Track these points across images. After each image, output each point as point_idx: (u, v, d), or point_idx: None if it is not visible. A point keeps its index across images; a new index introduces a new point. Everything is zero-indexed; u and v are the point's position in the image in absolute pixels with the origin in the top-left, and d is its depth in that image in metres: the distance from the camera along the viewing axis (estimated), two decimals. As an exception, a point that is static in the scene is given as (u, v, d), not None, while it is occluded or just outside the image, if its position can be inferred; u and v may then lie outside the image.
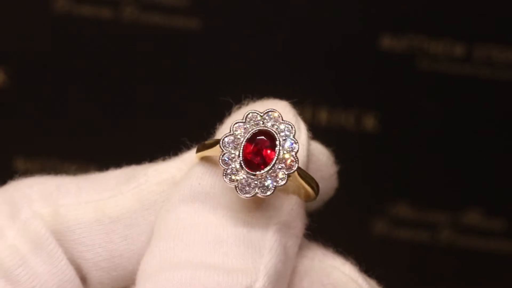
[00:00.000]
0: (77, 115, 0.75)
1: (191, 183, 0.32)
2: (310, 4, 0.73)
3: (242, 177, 0.31)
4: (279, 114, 0.32)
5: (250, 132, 0.31)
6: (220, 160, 0.31)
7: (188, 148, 0.35)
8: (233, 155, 0.31)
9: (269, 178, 0.31)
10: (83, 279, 0.34)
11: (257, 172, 0.31)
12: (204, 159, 0.33)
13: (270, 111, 0.32)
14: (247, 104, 0.35)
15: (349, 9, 0.73)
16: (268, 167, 0.31)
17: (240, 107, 0.35)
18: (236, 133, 0.32)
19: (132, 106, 0.75)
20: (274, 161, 0.31)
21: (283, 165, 0.31)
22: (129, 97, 0.75)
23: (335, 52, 0.74)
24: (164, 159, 0.35)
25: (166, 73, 0.74)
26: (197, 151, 0.33)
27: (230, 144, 0.32)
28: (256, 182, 0.31)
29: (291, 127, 0.31)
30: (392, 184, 0.76)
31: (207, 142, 0.33)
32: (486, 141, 0.74)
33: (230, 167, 0.31)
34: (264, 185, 0.31)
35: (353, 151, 0.74)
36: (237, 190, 0.31)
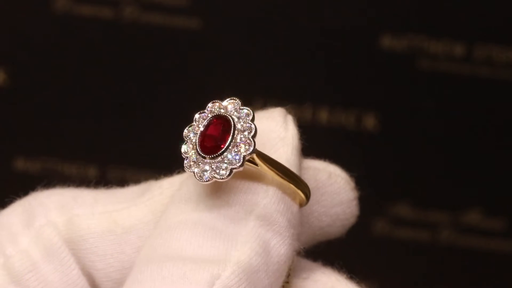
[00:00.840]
0: (77, 115, 0.75)
1: (180, 189, 0.33)
2: (310, 4, 0.73)
3: (199, 163, 0.31)
4: (238, 101, 0.32)
5: (207, 119, 0.32)
6: (182, 152, 0.32)
7: None
8: (192, 144, 0.32)
9: (225, 161, 0.31)
10: None
11: (211, 156, 0.31)
12: None
13: (231, 99, 0.32)
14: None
15: (349, 9, 0.73)
16: (221, 150, 0.31)
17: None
18: (197, 123, 0.32)
19: (132, 106, 0.75)
20: (227, 145, 0.31)
21: (238, 148, 0.31)
22: (129, 97, 0.75)
23: (335, 52, 0.74)
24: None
25: (166, 73, 0.74)
26: None
27: (190, 134, 0.32)
28: (212, 166, 0.31)
29: (250, 112, 0.31)
30: (392, 184, 0.76)
31: None
32: (486, 141, 0.74)
33: (190, 155, 0.31)
34: (220, 169, 0.31)
35: (353, 151, 0.74)
36: (196, 176, 0.31)
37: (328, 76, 0.74)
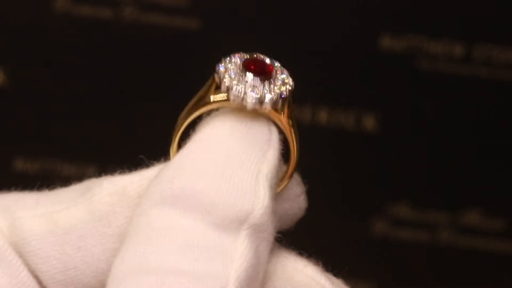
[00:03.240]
0: (77, 115, 0.75)
1: (161, 187, 0.32)
2: (310, 4, 0.73)
3: (248, 83, 0.31)
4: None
5: (243, 59, 0.33)
6: (219, 74, 0.32)
7: (147, 165, 0.35)
8: (234, 72, 0.32)
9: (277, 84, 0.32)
10: None
11: (263, 76, 0.32)
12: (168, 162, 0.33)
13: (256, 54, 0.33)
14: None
15: (348, 9, 0.73)
16: (272, 76, 0.32)
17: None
18: (227, 67, 0.33)
19: (131, 106, 0.75)
20: (274, 73, 0.32)
21: (281, 81, 0.32)
22: (128, 97, 0.75)
23: (335, 52, 0.74)
24: (121, 173, 0.35)
25: (166, 73, 0.74)
26: (186, 116, 0.35)
27: (227, 70, 0.32)
28: (263, 85, 0.31)
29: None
30: (392, 184, 0.76)
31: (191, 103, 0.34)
32: (486, 141, 0.74)
33: (234, 80, 0.32)
34: (270, 90, 0.31)
35: (353, 151, 0.74)
36: (246, 95, 0.31)
37: (327, 77, 0.74)
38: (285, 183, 0.34)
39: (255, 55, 0.32)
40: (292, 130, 0.33)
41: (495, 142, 0.74)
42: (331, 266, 0.35)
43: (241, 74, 0.31)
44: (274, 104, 0.33)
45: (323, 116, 0.74)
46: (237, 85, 0.31)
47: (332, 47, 0.73)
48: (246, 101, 0.31)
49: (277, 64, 0.32)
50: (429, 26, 0.73)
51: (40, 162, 0.75)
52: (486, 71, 0.73)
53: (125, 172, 0.35)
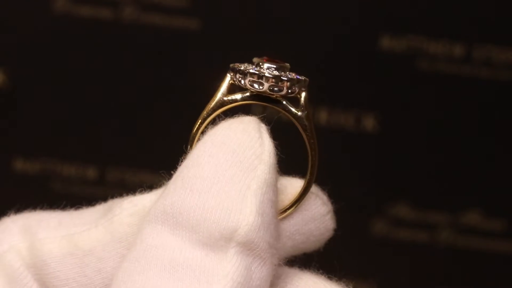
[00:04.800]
0: (77, 115, 0.75)
1: (156, 204, 0.32)
2: (310, 4, 0.73)
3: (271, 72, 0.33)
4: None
5: (255, 63, 0.33)
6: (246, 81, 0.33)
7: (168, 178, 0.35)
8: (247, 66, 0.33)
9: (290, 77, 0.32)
10: None
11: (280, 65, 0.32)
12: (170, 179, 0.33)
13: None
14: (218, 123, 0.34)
15: (348, 9, 0.73)
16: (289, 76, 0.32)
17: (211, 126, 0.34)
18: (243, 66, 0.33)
19: (132, 106, 0.75)
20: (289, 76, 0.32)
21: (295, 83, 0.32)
22: (129, 97, 0.75)
23: (335, 52, 0.74)
24: (141, 192, 0.35)
25: (166, 73, 0.74)
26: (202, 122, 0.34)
27: (248, 66, 0.33)
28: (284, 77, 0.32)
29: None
30: (392, 184, 0.75)
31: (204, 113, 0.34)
32: (486, 141, 0.74)
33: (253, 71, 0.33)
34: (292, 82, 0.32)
35: (353, 151, 0.74)
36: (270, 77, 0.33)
37: (327, 77, 0.74)
38: (302, 198, 0.34)
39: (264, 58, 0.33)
40: (311, 134, 0.32)
41: (495, 142, 0.74)
42: (331, 266, 0.35)
43: (258, 64, 0.32)
44: (291, 83, 0.33)
45: (323, 116, 0.74)
46: (253, 69, 0.32)
47: (332, 47, 0.73)
48: (263, 81, 0.32)
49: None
50: (429, 27, 0.73)
51: (39, 162, 0.75)
52: (486, 71, 0.73)
53: (144, 191, 0.35)
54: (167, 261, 0.30)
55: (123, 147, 0.75)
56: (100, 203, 0.36)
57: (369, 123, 0.74)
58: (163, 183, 0.34)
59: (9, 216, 0.35)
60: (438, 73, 0.73)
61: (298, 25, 0.73)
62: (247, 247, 0.30)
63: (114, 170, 0.75)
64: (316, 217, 0.34)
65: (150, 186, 0.36)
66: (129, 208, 0.34)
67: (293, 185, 0.34)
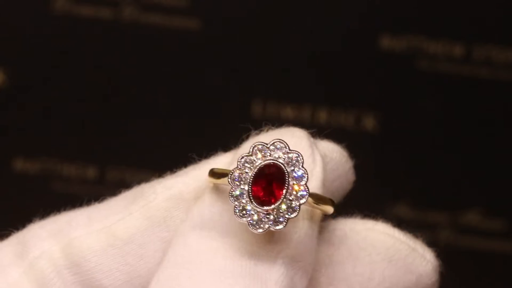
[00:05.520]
0: (77, 115, 0.75)
1: (201, 211, 0.32)
2: (310, 4, 0.73)
3: (252, 213, 0.30)
4: (286, 144, 0.31)
5: (258, 167, 0.31)
6: (230, 197, 0.31)
7: (194, 160, 0.35)
8: (242, 191, 0.31)
9: (281, 211, 0.30)
10: None
11: (267, 207, 0.30)
12: (216, 185, 0.33)
13: (277, 141, 0.31)
14: (267, 130, 0.34)
15: (348, 9, 0.73)
16: (278, 202, 0.30)
17: (259, 133, 0.34)
18: (244, 167, 0.31)
19: (132, 106, 0.75)
20: (284, 195, 0.30)
21: (293, 196, 0.30)
22: (129, 97, 0.75)
23: (335, 52, 0.74)
24: (172, 172, 0.35)
25: (166, 73, 0.74)
26: (209, 175, 0.33)
27: (238, 180, 0.31)
28: (268, 216, 0.30)
29: (299, 156, 0.31)
30: (392, 184, 0.75)
31: (217, 170, 0.33)
32: (486, 141, 0.74)
33: (240, 203, 0.31)
34: (275, 219, 0.30)
35: (353, 151, 0.74)
36: (249, 225, 0.30)
37: (327, 77, 0.74)
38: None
39: (263, 166, 0.31)
40: (322, 207, 0.32)
41: (495, 142, 0.74)
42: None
43: (250, 206, 0.31)
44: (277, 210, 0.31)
45: (323, 116, 0.74)
46: (243, 217, 0.30)
47: (332, 48, 0.73)
48: (257, 230, 0.31)
49: (287, 164, 0.31)
50: (429, 27, 0.73)
51: (40, 162, 0.75)
52: (486, 71, 0.73)
53: (175, 171, 0.35)
54: (217, 267, 0.30)
55: (123, 147, 0.75)
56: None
57: (369, 123, 0.74)
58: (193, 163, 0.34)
59: (34, 222, 0.35)
60: (438, 73, 0.73)
61: (298, 25, 0.73)
62: (294, 259, 0.31)
63: (114, 170, 0.75)
64: (342, 174, 0.35)
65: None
66: (163, 192, 0.34)
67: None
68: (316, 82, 0.74)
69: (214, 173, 0.32)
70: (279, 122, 0.35)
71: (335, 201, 0.34)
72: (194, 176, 0.34)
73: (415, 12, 0.73)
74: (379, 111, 0.74)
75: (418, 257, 0.34)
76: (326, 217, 0.34)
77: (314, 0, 0.73)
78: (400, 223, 0.78)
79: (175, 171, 0.35)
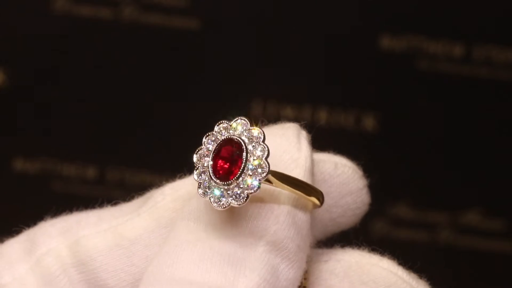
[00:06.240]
0: (77, 115, 0.75)
1: (190, 203, 0.32)
2: (310, 4, 0.73)
3: (214, 189, 0.30)
4: (247, 121, 0.31)
5: (219, 143, 0.31)
6: (194, 175, 0.31)
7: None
8: (204, 168, 0.31)
9: (241, 186, 0.30)
10: None
11: (226, 182, 0.30)
12: None
13: (239, 119, 0.31)
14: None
15: (348, 9, 0.73)
16: (237, 176, 0.30)
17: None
18: (207, 145, 0.31)
19: (131, 106, 0.75)
20: (241, 169, 0.30)
21: (252, 172, 0.30)
22: (128, 97, 0.75)
23: (335, 52, 0.74)
24: (173, 174, 0.35)
25: (166, 73, 0.74)
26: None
27: (202, 158, 0.31)
28: (228, 192, 0.30)
29: (260, 133, 0.31)
30: (392, 184, 0.75)
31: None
32: (486, 141, 0.74)
33: (204, 180, 0.31)
34: (237, 194, 0.30)
35: (353, 151, 0.74)
36: (212, 202, 0.30)
37: (327, 77, 0.74)
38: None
39: (224, 142, 0.31)
40: (289, 186, 0.31)
41: (495, 142, 0.74)
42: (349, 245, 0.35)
43: (210, 183, 0.31)
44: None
45: (323, 116, 0.74)
46: (205, 194, 0.31)
47: (332, 47, 0.73)
48: (219, 206, 0.31)
49: (248, 140, 0.31)
50: (429, 27, 0.73)
51: (39, 162, 0.75)
52: (485, 71, 0.73)
53: (184, 176, 0.35)
54: (196, 255, 0.30)
55: (123, 147, 0.75)
56: (101, 202, 0.36)
57: (369, 122, 0.74)
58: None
59: (46, 220, 0.35)
60: (438, 73, 0.73)
61: (298, 25, 0.73)
62: (276, 246, 0.31)
63: (114, 170, 0.75)
64: (353, 190, 0.35)
65: (150, 186, 0.36)
66: (172, 194, 0.34)
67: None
68: (316, 82, 0.74)
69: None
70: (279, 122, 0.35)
71: (348, 224, 0.34)
72: None
73: (415, 12, 0.73)
74: (379, 111, 0.74)
75: None
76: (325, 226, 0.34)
77: (314, 0, 0.73)
78: (400, 223, 0.79)
79: (176, 172, 0.35)
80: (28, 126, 0.75)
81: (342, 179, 0.35)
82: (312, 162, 0.33)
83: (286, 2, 0.73)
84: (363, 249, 0.35)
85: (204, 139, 0.31)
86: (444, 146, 0.75)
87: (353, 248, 0.35)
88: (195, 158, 0.31)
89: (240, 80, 0.74)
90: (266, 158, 0.30)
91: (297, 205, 0.32)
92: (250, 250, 0.31)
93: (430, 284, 0.37)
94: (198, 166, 0.31)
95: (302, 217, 0.32)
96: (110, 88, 0.75)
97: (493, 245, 0.75)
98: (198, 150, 0.31)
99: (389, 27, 0.73)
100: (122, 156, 0.75)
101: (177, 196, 0.34)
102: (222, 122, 0.32)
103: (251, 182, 0.30)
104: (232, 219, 0.31)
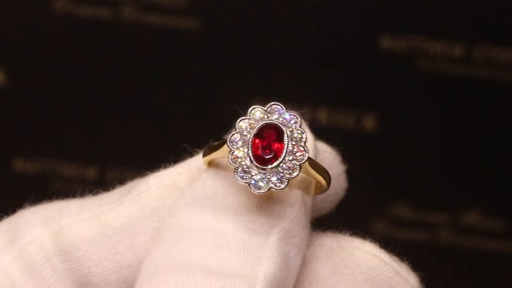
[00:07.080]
0: (77, 115, 0.75)
1: (194, 188, 0.32)
2: (310, 4, 0.73)
3: (254, 173, 0.30)
4: (282, 106, 0.31)
5: (256, 128, 0.31)
6: (230, 159, 0.31)
7: (190, 154, 0.35)
8: (242, 153, 0.31)
9: (281, 171, 0.30)
10: None
11: (269, 167, 0.30)
12: (212, 164, 0.33)
13: (273, 104, 0.32)
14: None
15: (348, 10, 0.73)
16: (279, 160, 0.30)
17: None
18: (242, 130, 0.31)
19: (131, 106, 0.75)
20: (284, 154, 0.30)
21: (293, 156, 0.31)
22: (128, 97, 0.75)
23: (335, 52, 0.74)
24: (165, 167, 0.35)
25: (166, 73, 0.74)
26: (204, 154, 0.33)
27: (238, 142, 0.31)
28: (268, 176, 0.30)
29: (297, 117, 0.31)
30: (392, 184, 0.76)
31: (213, 143, 0.32)
32: (486, 141, 0.74)
33: (241, 164, 0.31)
34: (277, 179, 0.30)
35: (353, 151, 0.74)
36: (251, 187, 0.30)
37: (327, 77, 0.74)
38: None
39: (263, 127, 0.31)
40: (319, 174, 0.32)
41: (495, 143, 0.74)
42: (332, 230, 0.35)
43: (249, 167, 0.31)
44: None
45: (323, 116, 0.74)
46: (243, 178, 0.30)
47: (332, 47, 0.73)
48: (259, 190, 0.31)
49: (285, 126, 0.31)
50: (429, 27, 0.73)
51: (39, 162, 0.75)
52: (485, 71, 0.73)
53: (169, 165, 0.35)
54: (211, 242, 0.30)
55: (123, 147, 0.75)
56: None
57: (369, 123, 0.74)
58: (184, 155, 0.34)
59: (26, 209, 0.35)
60: (438, 73, 0.74)
61: (298, 25, 0.73)
62: (289, 234, 0.31)
63: (114, 170, 0.75)
64: (334, 175, 0.35)
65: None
66: (156, 183, 0.34)
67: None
68: (316, 82, 0.74)
69: (211, 148, 0.32)
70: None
71: (325, 210, 0.35)
72: (188, 165, 0.34)
73: (415, 12, 0.73)
74: (379, 111, 0.74)
75: (402, 281, 0.34)
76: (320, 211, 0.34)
77: (313, 1, 0.73)
78: (400, 223, 0.79)
79: (163, 165, 0.35)
80: (28, 126, 0.75)
81: (323, 164, 0.34)
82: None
83: (286, 2, 0.73)
84: (344, 233, 0.35)
85: (237, 123, 0.31)
86: (444, 146, 0.75)
87: (334, 232, 0.35)
88: (228, 143, 0.31)
89: (240, 80, 0.74)
90: (305, 143, 0.31)
91: (305, 191, 0.32)
92: (264, 238, 0.31)
93: (429, 283, 0.37)
94: (234, 151, 0.31)
95: (309, 202, 0.32)
96: (110, 88, 0.75)
97: (493, 245, 0.75)
98: (232, 135, 0.31)
99: (389, 27, 0.73)
100: (122, 156, 0.75)
101: (162, 185, 0.33)
102: (256, 107, 0.32)
103: (291, 166, 0.30)
104: (246, 206, 0.31)
